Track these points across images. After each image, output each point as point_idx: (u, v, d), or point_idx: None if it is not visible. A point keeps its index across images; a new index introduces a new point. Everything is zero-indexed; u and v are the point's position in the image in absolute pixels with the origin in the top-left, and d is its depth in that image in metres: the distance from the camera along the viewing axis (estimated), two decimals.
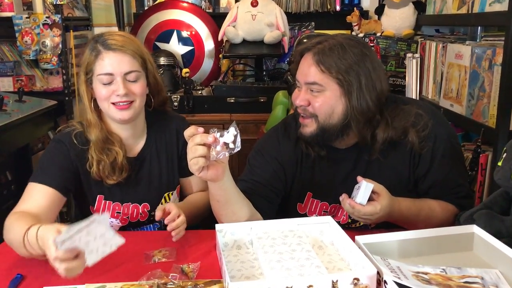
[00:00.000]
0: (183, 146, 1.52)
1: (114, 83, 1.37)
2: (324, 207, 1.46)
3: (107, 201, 1.46)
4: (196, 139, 1.13)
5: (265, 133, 1.59)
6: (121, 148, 1.44)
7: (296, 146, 1.46)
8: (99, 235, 1.01)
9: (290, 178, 1.47)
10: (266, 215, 1.39)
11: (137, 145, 1.52)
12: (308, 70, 1.32)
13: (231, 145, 1.12)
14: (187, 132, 1.16)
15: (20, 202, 1.33)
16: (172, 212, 1.30)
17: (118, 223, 1.49)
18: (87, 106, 1.43)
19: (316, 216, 1.45)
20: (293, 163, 1.46)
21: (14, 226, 1.21)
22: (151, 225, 1.54)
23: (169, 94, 2.93)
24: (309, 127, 1.36)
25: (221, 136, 1.12)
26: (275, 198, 1.45)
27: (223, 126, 2.88)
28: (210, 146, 1.13)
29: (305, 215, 1.47)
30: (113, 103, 1.38)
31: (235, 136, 1.12)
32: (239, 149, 1.13)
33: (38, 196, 1.33)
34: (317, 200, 1.46)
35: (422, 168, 1.40)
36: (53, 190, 1.35)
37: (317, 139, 1.37)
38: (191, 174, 1.51)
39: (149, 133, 1.54)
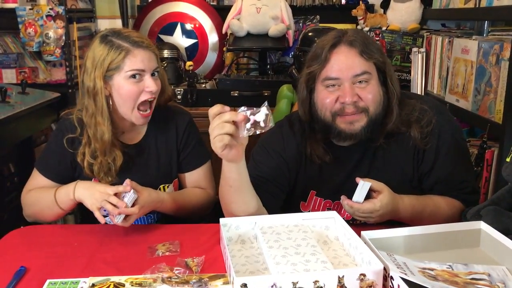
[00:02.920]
0: (182, 142, 1.55)
1: (143, 80, 1.40)
2: (328, 205, 1.45)
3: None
4: (225, 117, 1.10)
5: (269, 130, 1.57)
6: (122, 152, 1.45)
7: (300, 144, 1.44)
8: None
9: (294, 174, 1.45)
10: (271, 210, 1.38)
11: (138, 135, 1.54)
12: (353, 61, 1.28)
13: (262, 124, 1.11)
14: (212, 110, 1.12)
15: (28, 184, 1.50)
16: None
17: None
18: (102, 104, 1.39)
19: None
20: (297, 160, 1.45)
21: (39, 196, 1.44)
22: (145, 216, 1.53)
23: (172, 87, 2.92)
24: (360, 122, 1.31)
25: (252, 114, 1.11)
26: (279, 194, 1.44)
27: None
28: (238, 125, 1.12)
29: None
30: (139, 108, 1.42)
31: (267, 116, 1.11)
32: (271, 126, 1.12)
33: (38, 184, 1.49)
34: (321, 198, 1.45)
35: (426, 165, 1.38)
36: (52, 182, 1.48)
37: (366, 132, 1.33)
38: (189, 170, 1.57)
39: (150, 125, 1.54)
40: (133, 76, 1.39)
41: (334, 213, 1.30)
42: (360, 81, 1.29)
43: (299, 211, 1.47)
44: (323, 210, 1.45)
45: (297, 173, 1.45)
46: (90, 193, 1.33)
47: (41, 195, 1.44)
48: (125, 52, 1.37)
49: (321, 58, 1.30)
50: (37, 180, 1.50)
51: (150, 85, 1.40)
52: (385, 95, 1.34)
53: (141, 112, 1.43)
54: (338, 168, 1.42)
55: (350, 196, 1.26)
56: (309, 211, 1.46)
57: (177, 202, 1.49)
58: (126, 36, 1.40)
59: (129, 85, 1.39)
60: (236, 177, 1.25)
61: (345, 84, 1.29)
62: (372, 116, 1.32)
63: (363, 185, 1.23)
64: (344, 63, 1.29)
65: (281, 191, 1.44)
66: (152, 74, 1.43)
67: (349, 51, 1.28)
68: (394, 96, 1.34)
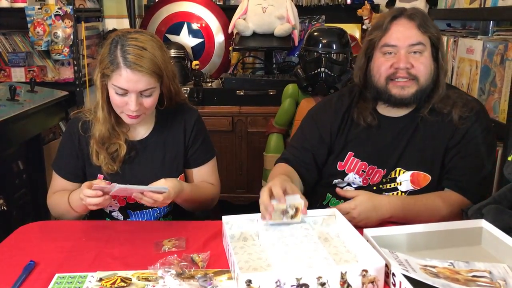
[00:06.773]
0: (191, 138, 1.57)
1: (128, 96, 1.38)
2: (363, 166, 1.52)
3: (106, 181, 1.48)
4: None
5: (320, 101, 1.72)
6: (125, 142, 1.48)
7: (346, 111, 1.56)
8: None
9: (335, 140, 1.57)
10: (305, 182, 1.54)
11: (144, 131, 1.55)
12: (410, 32, 1.40)
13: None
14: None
15: (50, 187, 1.57)
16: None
17: (116, 203, 1.52)
18: (99, 102, 1.44)
19: (354, 174, 1.52)
20: (341, 127, 1.56)
21: (58, 200, 1.49)
22: (150, 210, 1.55)
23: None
24: (410, 89, 1.42)
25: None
26: (315, 168, 1.58)
27: (232, 119, 2.89)
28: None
29: (343, 172, 1.54)
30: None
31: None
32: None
33: (58, 185, 1.54)
34: (358, 159, 1.52)
35: (453, 141, 1.45)
36: (69, 182, 1.53)
37: (416, 99, 1.44)
38: (197, 166, 1.59)
39: (157, 121, 1.56)
40: (117, 91, 1.38)
41: (334, 211, 1.31)
42: (414, 51, 1.40)
43: (335, 168, 1.55)
44: (358, 171, 1.52)
45: (339, 138, 1.56)
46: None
47: (60, 199, 1.49)
48: (115, 66, 1.35)
49: (382, 27, 1.44)
50: (56, 181, 1.54)
51: (132, 105, 1.37)
52: (435, 70, 1.44)
53: (128, 114, 1.42)
54: (381, 135, 1.51)
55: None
56: (345, 170, 1.54)
57: (192, 193, 1.51)
58: (126, 51, 1.34)
59: (114, 95, 1.39)
60: None
61: (401, 52, 1.41)
62: (422, 85, 1.42)
63: None
64: (402, 33, 1.41)
65: (316, 166, 1.58)
66: (142, 94, 1.39)
67: (408, 23, 1.41)
68: (444, 72, 1.44)
